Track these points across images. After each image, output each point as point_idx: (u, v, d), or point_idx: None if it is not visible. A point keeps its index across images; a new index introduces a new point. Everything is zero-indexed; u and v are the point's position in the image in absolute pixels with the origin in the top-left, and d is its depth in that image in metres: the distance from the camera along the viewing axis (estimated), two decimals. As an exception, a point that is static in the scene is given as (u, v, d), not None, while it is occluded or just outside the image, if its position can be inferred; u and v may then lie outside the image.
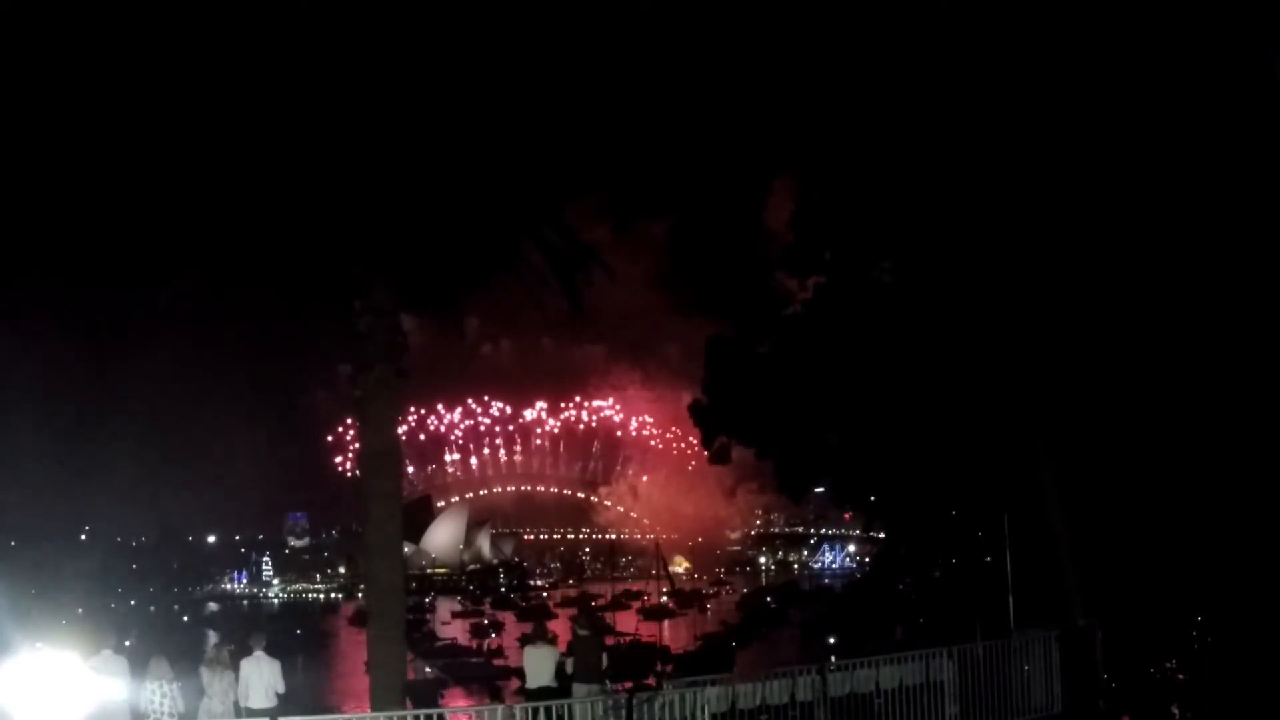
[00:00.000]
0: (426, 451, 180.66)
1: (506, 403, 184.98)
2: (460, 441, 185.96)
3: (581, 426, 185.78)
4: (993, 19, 24.60)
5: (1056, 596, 24.32)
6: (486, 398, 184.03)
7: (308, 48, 15.82)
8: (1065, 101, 24.48)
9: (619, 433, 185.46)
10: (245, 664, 16.28)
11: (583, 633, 19.00)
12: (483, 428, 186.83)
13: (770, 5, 28.61)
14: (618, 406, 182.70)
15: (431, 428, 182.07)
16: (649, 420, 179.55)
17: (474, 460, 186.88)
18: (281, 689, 16.28)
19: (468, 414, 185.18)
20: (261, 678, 16.16)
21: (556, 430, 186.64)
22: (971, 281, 27.15)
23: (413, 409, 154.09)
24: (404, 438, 21.26)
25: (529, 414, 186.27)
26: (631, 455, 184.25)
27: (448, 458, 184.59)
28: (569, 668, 18.31)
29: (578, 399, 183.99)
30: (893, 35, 26.08)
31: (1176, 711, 27.81)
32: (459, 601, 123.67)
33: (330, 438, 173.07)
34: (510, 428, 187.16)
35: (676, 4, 25.64)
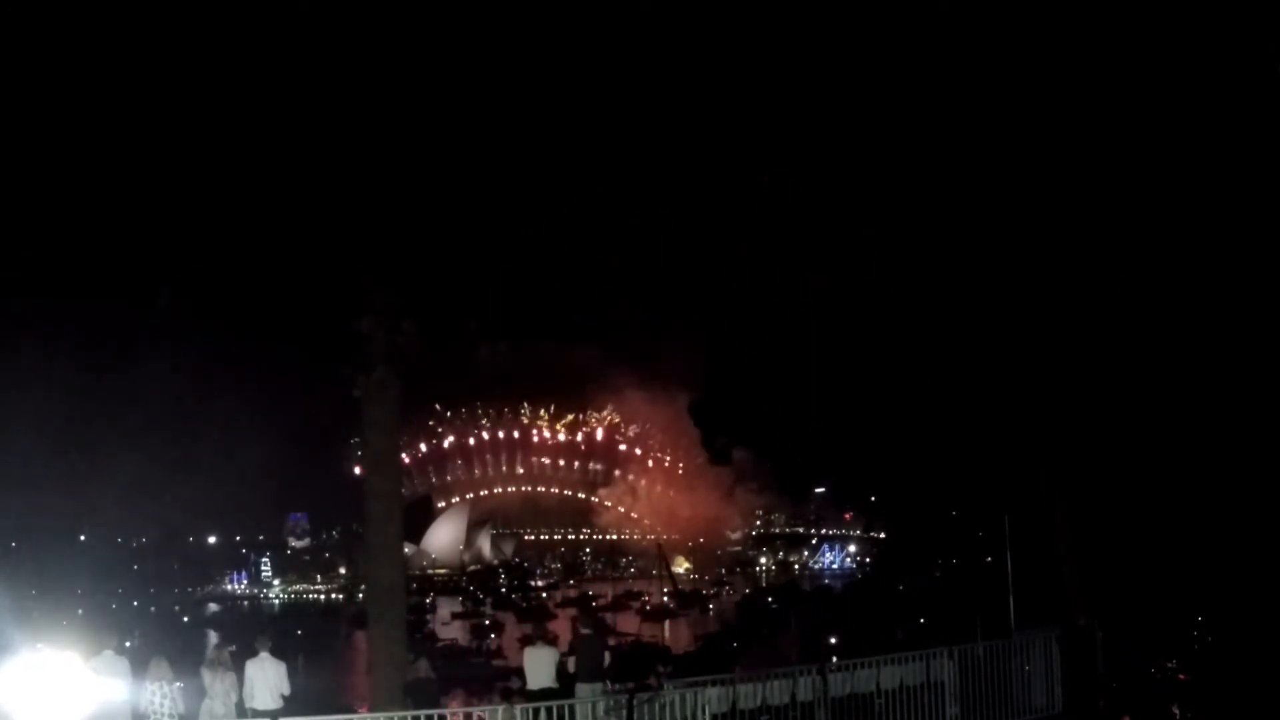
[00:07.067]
0: (429, 453, 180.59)
1: (505, 406, 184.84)
2: (462, 444, 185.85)
3: (583, 440, 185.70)
4: (992, 19, 24.61)
5: (1056, 596, 24.33)
6: (486, 403, 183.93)
7: (310, 55, 15.86)
8: (1065, 101, 24.48)
9: (620, 433, 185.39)
10: (250, 665, 16.32)
11: (586, 632, 19.02)
12: (483, 431, 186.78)
13: (768, 4, 28.59)
14: (618, 418, 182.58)
15: (432, 427, 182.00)
16: (648, 425, 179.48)
17: (475, 462, 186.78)
18: (287, 690, 16.33)
19: (469, 417, 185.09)
20: (267, 679, 16.20)
21: (560, 438, 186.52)
22: (972, 282, 27.18)
23: (412, 410, 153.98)
24: (405, 440, 21.27)
25: (527, 416, 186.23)
26: (631, 457, 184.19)
27: (448, 468, 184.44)
28: (570, 667, 18.34)
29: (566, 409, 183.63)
30: (892, 34, 26.08)
31: (1177, 711, 27.78)
32: (459, 602, 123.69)
33: (331, 438, 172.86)
34: (513, 432, 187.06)
35: (674, 3, 25.62)
